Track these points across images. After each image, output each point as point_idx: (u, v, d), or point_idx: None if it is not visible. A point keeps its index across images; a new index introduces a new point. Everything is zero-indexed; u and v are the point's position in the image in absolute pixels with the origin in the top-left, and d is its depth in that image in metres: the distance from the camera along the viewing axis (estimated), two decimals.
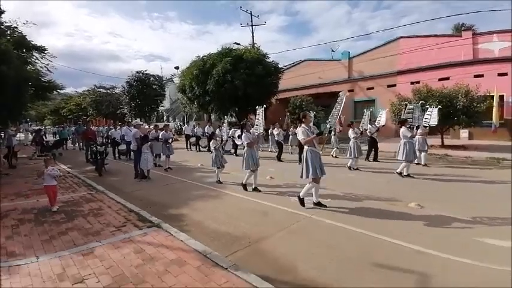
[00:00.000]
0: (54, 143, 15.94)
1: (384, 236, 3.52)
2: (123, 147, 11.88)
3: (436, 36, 14.48)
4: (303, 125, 4.60)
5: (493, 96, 11.53)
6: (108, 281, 2.58)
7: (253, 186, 5.90)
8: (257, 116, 7.77)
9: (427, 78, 13.88)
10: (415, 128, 8.06)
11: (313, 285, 2.59)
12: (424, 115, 8.95)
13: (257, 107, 8.02)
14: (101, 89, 40.20)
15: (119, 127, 14.00)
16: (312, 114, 9.46)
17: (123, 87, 29.79)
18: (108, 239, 3.55)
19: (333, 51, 19.77)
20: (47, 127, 43.74)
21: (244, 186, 5.97)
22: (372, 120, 10.07)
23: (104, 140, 14.11)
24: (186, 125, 19.66)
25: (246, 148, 5.84)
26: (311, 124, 4.75)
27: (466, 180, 6.50)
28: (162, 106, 30.54)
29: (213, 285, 2.47)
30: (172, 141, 9.27)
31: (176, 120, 30.21)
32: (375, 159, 9.53)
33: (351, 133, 8.38)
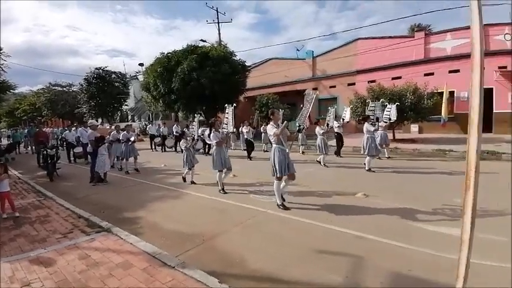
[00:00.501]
0: (6, 147, 14.58)
1: (331, 225, 3.77)
2: (79, 149, 11.16)
3: (390, 37, 15.52)
4: (271, 122, 4.59)
5: (441, 92, 12.68)
6: (51, 285, 2.60)
7: (220, 187, 5.71)
8: (226, 115, 7.36)
9: (382, 78, 14.87)
10: (376, 123, 8.34)
11: (259, 274, 2.72)
12: (384, 112, 9.59)
13: (226, 105, 7.61)
14: (57, 87, 37.30)
15: (74, 128, 13.14)
16: (281, 112, 9.54)
17: (81, 85, 27.97)
18: (53, 246, 3.43)
19: (298, 50, 20.34)
20: (2, 130, 39.81)
21: (221, 188, 5.73)
22: (338, 117, 10.46)
23: (58, 142, 13.14)
24: (150, 125, 19.00)
25: (215, 147, 5.72)
26: (280, 122, 4.69)
27: (423, 172, 7.01)
28: (126, 105, 29.14)
29: (157, 284, 2.48)
30: (134, 142, 8.84)
31: (142, 119, 29.00)
32: (338, 154, 9.98)
33: (318, 130, 8.60)
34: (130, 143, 8.58)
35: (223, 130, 6.61)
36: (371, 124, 7.58)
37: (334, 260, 2.95)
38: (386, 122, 9.29)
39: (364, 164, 7.29)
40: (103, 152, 7.10)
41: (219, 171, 5.62)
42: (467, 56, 11.13)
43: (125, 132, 8.89)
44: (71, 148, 11.82)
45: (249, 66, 21.62)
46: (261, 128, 12.05)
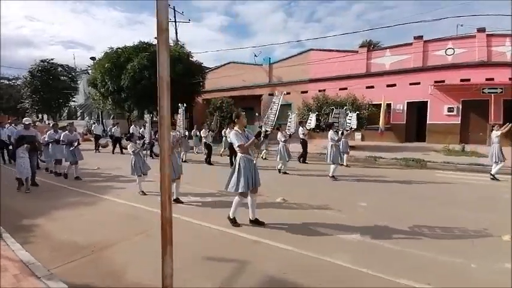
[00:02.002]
0: None
1: (232, 230, 3.83)
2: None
3: (338, 51, 16.52)
4: (235, 127, 3.91)
5: (378, 104, 13.74)
6: None
7: (174, 197, 4.97)
8: (179, 116, 6.34)
9: (331, 87, 15.74)
10: (340, 133, 8.01)
11: (135, 286, 2.64)
12: (346, 120, 9.29)
13: (179, 104, 6.57)
14: (4, 80, 33.48)
15: (8, 126, 11.77)
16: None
17: (25, 78, 25.39)
18: None
19: (255, 56, 20.66)
20: None
21: (177, 200, 5.05)
22: (303, 123, 10.46)
23: None
24: (95, 124, 17.78)
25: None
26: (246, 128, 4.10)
27: (377, 180, 7.27)
28: (73, 101, 27.01)
29: None
30: (78, 144, 7.66)
31: (91, 118, 27.07)
32: (304, 161, 9.98)
33: (280, 136, 8.36)
34: (75, 145, 7.46)
35: (175, 133, 5.51)
36: (335, 132, 7.47)
37: (218, 266, 2.98)
38: (347, 130, 9.22)
39: (329, 175, 7.23)
40: (21, 155, 6.14)
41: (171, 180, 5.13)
42: (403, 71, 12.18)
43: (66, 132, 7.74)
44: (5, 147, 10.58)
45: (207, 68, 21.45)
46: (224, 131, 11.28)
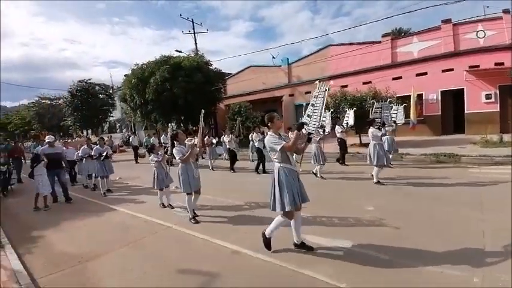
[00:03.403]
0: None
1: (217, 240, 3.69)
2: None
3: (359, 43, 15.61)
4: (270, 131, 3.22)
5: (405, 96, 12.63)
6: None
7: (190, 214, 4.58)
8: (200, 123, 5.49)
9: (353, 82, 14.88)
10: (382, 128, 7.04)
11: None
12: (390, 114, 8.36)
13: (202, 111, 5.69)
14: (46, 100, 37.61)
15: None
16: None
17: (65, 98, 28.20)
18: None
19: (273, 57, 20.39)
20: None
21: (193, 217, 4.55)
22: (340, 121, 9.61)
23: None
24: (133, 136, 18.94)
25: (180, 165, 4.58)
26: (282, 131, 3.48)
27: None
28: (111, 116, 29.26)
29: None
30: (109, 157, 7.51)
31: (124, 130, 29.06)
32: (343, 162, 8.98)
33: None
34: (102, 158, 7.23)
35: (190, 142, 4.86)
36: (377, 128, 6.48)
37: (189, 278, 2.87)
38: (392, 126, 8.14)
39: (372, 175, 6.34)
40: (38, 172, 6.27)
41: (187, 194, 4.51)
42: (434, 58, 11.03)
43: (97, 146, 7.57)
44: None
45: (226, 74, 21.77)
46: (251, 136, 10.38)
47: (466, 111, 12.90)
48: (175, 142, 4.67)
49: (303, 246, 3.23)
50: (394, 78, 14.21)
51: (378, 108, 7.75)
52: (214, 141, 11.42)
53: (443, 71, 13.11)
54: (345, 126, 9.23)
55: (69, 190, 7.10)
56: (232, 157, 9.87)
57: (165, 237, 4.07)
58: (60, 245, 4.08)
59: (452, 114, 13.58)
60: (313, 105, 3.49)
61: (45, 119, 33.36)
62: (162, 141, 12.38)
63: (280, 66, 19.63)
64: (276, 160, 3.10)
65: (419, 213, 4.24)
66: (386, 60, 14.79)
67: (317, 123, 3.37)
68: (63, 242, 4.19)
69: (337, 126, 9.08)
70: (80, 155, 8.25)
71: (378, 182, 6.18)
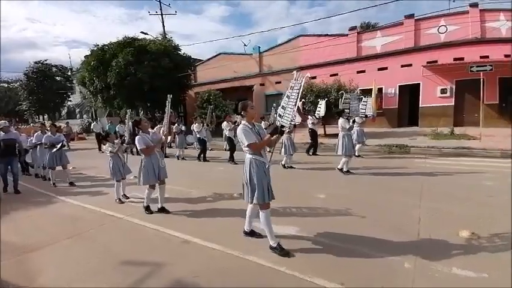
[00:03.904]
0: None
1: (167, 230, 3.68)
2: None
3: (327, 35, 15.93)
4: (243, 121, 3.03)
5: (368, 89, 13.23)
6: None
7: (159, 206, 4.39)
8: (166, 110, 5.11)
9: (322, 74, 15.22)
10: (351, 121, 6.96)
11: None
12: (360, 105, 8.22)
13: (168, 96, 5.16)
14: (3, 84, 33.98)
15: None
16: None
17: (21, 81, 25.68)
18: None
19: (245, 45, 20.12)
20: None
21: (147, 208, 4.37)
22: (311, 112, 9.53)
23: None
24: (95, 122, 17.74)
25: (143, 157, 4.23)
26: (260, 122, 3.51)
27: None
28: (69, 101, 27.21)
29: None
30: (63, 146, 6.77)
31: (84, 116, 27.26)
32: (314, 153, 9.16)
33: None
34: (57, 149, 6.52)
35: (154, 130, 4.70)
36: (346, 119, 6.50)
37: (132, 269, 2.85)
38: (363, 118, 8.25)
39: (337, 167, 6.48)
40: None
41: (149, 187, 4.25)
42: (394, 53, 11.52)
43: (48, 134, 6.81)
44: None
45: (197, 60, 21.13)
46: (223, 125, 9.61)
47: (420, 105, 13.89)
48: (137, 130, 4.27)
49: (252, 234, 3.33)
50: (358, 72, 14.79)
51: (347, 99, 7.62)
52: (183, 128, 11.07)
53: (402, 66, 13.91)
54: (317, 117, 9.39)
55: (20, 180, 6.60)
56: (202, 146, 9.62)
57: (114, 228, 3.96)
58: (4, 235, 3.81)
59: (407, 107, 14.56)
60: (288, 96, 3.22)
61: (2, 103, 30.19)
62: (116, 129, 11.71)
63: (251, 54, 19.46)
64: (247, 151, 2.97)
65: (371, 201, 4.56)
66: (352, 53, 15.30)
67: (291, 116, 3.14)
68: (8, 232, 3.93)
69: (310, 117, 9.17)
70: (33, 142, 7.50)
71: (348, 172, 6.39)
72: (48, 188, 6.51)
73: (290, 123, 3.19)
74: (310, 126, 9.14)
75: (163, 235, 3.59)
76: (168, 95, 5.13)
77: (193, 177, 7.08)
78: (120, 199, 5.07)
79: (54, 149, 6.53)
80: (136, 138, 4.20)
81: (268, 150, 3.26)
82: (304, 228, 3.50)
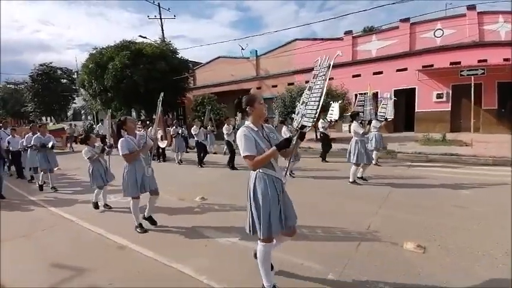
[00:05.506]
0: None
1: (109, 235, 3.63)
2: None
3: (322, 39, 15.78)
4: (247, 121, 2.26)
5: (365, 94, 12.99)
6: None
7: (145, 214, 3.85)
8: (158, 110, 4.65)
9: None
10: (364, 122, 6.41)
11: None
12: (380, 107, 7.83)
13: (161, 94, 4.79)
14: (11, 85, 35.04)
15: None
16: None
17: (26, 83, 26.43)
18: None
19: (242, 49, 20.18)
20: None
21: (140, 226, 3.73)
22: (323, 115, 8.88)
23: None
24: (100, 124, 17.79)
25: (126, 164, 3.63)
26: (270, 124, 2.85)
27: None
28: (74, 103, 27.82)
29: None
30: (53, 148, 6.46)
31: (89, 118, 27.78)
32: (324, 159, 8.50)
33: (285, 130, 6.95)
34: (44, 152, 6.26)
35: (142, 133, 3.99)
36: (360, 124, 5.83)
37: (57, 273, 2.80)
38: (381, 121, 7.60)
39: (349, 180, 5.73)
40: None
41: (132, 198, 3.66)
42: (389, 57, 11.29)
43: (38, 134, 6.48)
44: None
45: (196, 63, 21.27)
46: (224, 128, 8.88)
47: (416, 110, 13.55)
48: (122, 131, 3.65)
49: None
50: (353, 76, 14.58)
51: (360, 101, 7.05)
52: (180, 131, 10.43)
53: (398, 70, 13.62)
54: (329, 121, 8.81)
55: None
56: (201, 150, 9.11)
57: (62, 230, 3.97)
58: None
59: (403, 112, 14.21)
60: (310, 88, 2.49)
61: (8, 105, 31.15)
62: (98, 129, 11.68)
63: (248, 58, 19.48)
64: (249, 165, 2.12)
65: (326, 207, 4.41)
66: (348, 57, 15.09)
67: (314, 113, 2.30)
68: None
69: (320, 121, 8.65)
70: (24, 144, 7.22)
71: (362, 178, 5.87)
72: (23, 187, 6.59)
73: (314, 121, 2.33)
74: (321, 130, 8.66)
75: (103, 240, 3.55)
76: (161, 93, 4.72)
77: (168, 180, 7.03)
78: (96, 203, 4.69)
79: (45, 150, 6.25)
80: (120, 141, 3.54)
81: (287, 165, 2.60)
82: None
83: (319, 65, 2.61)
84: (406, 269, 2.57)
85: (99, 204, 4.75)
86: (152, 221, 3.86)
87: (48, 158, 6.36)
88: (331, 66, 2.47)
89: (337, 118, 9.11)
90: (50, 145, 6.25)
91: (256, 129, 2.17)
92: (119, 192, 4.94)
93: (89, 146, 4.70)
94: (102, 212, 4.63)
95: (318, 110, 2.32)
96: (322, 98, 2.33)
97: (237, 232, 3.48)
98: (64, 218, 4.43)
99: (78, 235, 3.77)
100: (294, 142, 2.24)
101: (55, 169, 7.00)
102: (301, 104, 2.56)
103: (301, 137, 2.30)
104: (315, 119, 2.32)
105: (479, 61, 11.65)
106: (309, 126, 2.35)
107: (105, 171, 4.74)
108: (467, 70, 9.08)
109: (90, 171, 4.65)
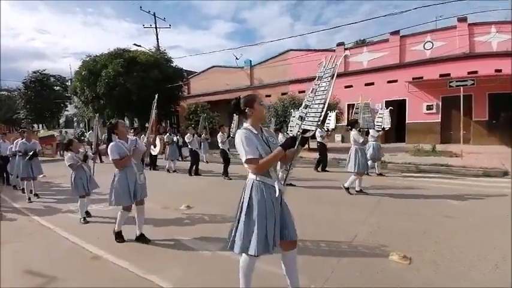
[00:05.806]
0: None
1: (85, 244, 3.48)
2: None
3: (315, 50, 16.04)
4: (245, 123, 2.09)
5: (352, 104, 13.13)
6: None
7: (137, 232, 3.51)
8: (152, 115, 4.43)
9: (310, 88, 15.22)
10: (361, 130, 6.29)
11: None
12: (375, 117, 7.80)
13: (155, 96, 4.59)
14: (4, 92, 34.72)
15: None
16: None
17: (19, 89, 26.20)
18: None
19: (237, 58, 20.35)
20: None
21: (118, 235, 3.51)
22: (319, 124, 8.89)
23: None
24: (91, 131, 17.69)
25: (116, 171, 3.40)
26: (270, 128, 2.51)
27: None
28: (67, 110, 27.56)
29: None
30: (37, 156, 6.32)
31: (81, 125, 27.51)
32: (324, 169, 8.37)
33: (281, 138, 6.59)
34: (28, 156, 6.05)
35: (132, 138, 3.63)
36: (359, 132, 5.82)
37: (28, 282, 2.64)
38: (379, 131, 7.58)
39: (343, 185, 5.62)
40: None
41: (123, 208, 3.42)
42: (380, 69, 11.43)
43: (23, 140, 6.37)
44: None
45: (190, 72, 21.37)
46: (218, 136, 8.63)
47: (407, 121, 13.69)
48: (113, 136, 3.44)
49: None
50: (346, 87, 14.74)
51: (357, 109, 7.00)
52: (175, 139, 10.27)
53: (389, 81, 13.83)
54: (326, 130, 8.66)
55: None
56: (194, 159, 8.83)
57: (40, 238, 3.82)
58: None
59: (395, 123, 14.32)
60: (313, 90, 2.32)
61: (1, 111, 30.73)
62: (88, 137, 11.51)
63: (243, 68, 19.65)
64: (249, 169, 1.98)
65: (318, 215, 4.31)
66: (340, 68, 15.28)
67: (318, 117, 2.11)
68: None
69: (318, 130, 8.36)
70: (13, 149, 6.86)
71: (361, 191, 5.65)
72: (8, 194, 6.37)
73: (318, 125, 2.15)
74: (318, 139, 8.45)
75: (78, 249, 3.38)
76: (155, 95, 4.44)
77: (156, 188, 6.85)
78: (84, 218, 4.38)
79: (26, 157, 6.07)
80: (110, 145, 3.33)
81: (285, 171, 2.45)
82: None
83: (324, 67, 2.44)
84: (390, 281, 2.47)
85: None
86: (145, 240, 3.45)
87: (32, 166, 6.17)
88: (337, 66, 2.32)
89: (333, 127, 9.08)
90: (30, 153, 6.02)
91: (255, 132, 2.00)
92: (103, 202, 4.83)
93: (72, 152, 4.47)
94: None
95: (323, 113, 2.13)
96: (328, 100, 2.17)
97: (219, 242, 3.35)
98: (42, 225, 4.26)
99: (56, 243, 3.62)
100: (295, 148, 2.05)
101: (40, 176, 6.88)
102: (304, 108, 2.36)
103: (303, 142, 2.11)
104: (319, 122, 2.12)
105: (469, 73, 11.87)
106: (313, 130, 2.14)
107: (87, 180, 4.52)
108: (456, 81, 9.22)
109: (72, 179, 4.41)
